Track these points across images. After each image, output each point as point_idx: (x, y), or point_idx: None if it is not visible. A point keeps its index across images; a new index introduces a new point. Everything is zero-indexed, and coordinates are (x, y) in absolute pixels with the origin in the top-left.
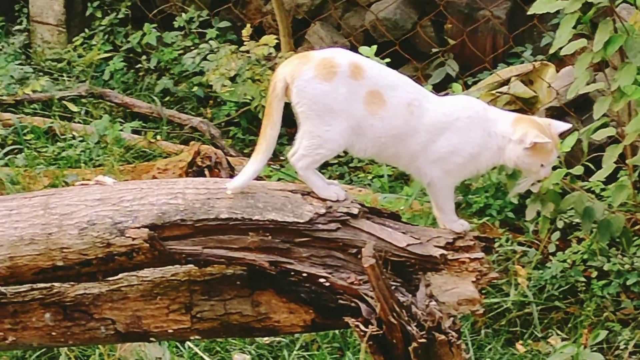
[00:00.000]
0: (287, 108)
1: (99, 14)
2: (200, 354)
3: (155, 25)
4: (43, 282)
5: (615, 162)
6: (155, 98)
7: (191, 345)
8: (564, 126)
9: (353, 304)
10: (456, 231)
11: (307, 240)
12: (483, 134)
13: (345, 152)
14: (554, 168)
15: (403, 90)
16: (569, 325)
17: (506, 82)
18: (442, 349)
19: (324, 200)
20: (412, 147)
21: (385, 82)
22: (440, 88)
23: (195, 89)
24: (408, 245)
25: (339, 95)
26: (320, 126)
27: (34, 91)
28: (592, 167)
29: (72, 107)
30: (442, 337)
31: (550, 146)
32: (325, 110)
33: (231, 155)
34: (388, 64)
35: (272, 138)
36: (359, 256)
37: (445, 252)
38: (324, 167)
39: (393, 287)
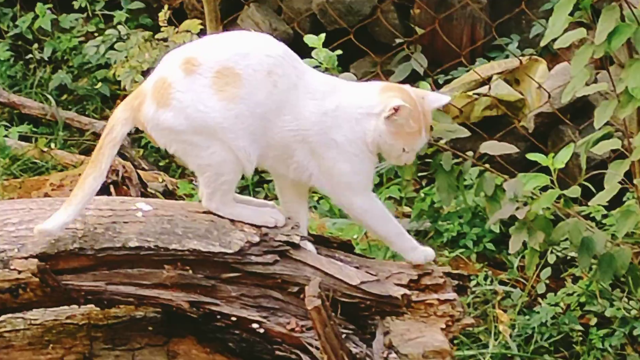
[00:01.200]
0: None
1: None
2: None
3: (49, 5)
4: None
5: (620, 182)
6: (49, 96)
7: None
8: (441, 99)
9: (293, 356)
10: (416, 262)
11: (237, 276)
12: (352, 124)
13: None
14: (545, 189)
15: (260, 55)
16: None
17: (486, 81)
18: None
19: (259, 227)
20: (281, 133)
21: (232, 52)
22: None
23: (99, 85)
24: (362, 282)
25: (187, 108)
26: (202, 154)
27: None
28: (592, 188)
29: None
30: None
31: (415, 125)
32: (193, 134)
33: (143, 169)
34: (340, 57)
35: (91, 190)
36: (302, 296)
37: (408, 292)
38: (259, 185)
39: (343, 335)
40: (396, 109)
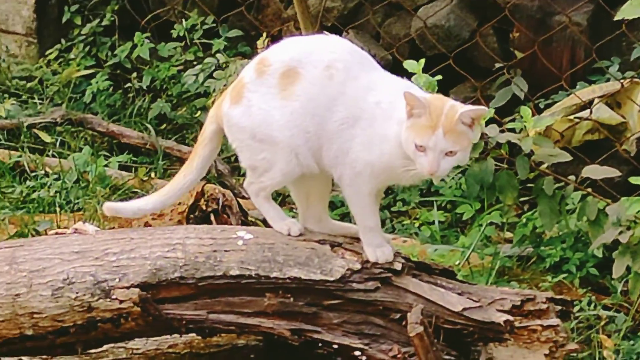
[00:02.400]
0: None
1: (78, 21)
2: None
3: (148, 34)
4: (8, 356)
5: None
6: (148, 125)
7: None
8: (474, 108)
9: None
10: (367, 258)
11: (338, 303)
12: (394, 122)
13: (387, 193)
14: None
15: (323, 52)
16: None
17: (588, 104)
18: None
19: (357, 253)
20: (332, 126)
21: (299, 52)
22: (506, 112)
23: (198, 114)
24: (465, 309)
25: (252, 107)
26: (255, 157)
27: None
28: None
29: (45, 137)
30: None
31: (428, 120)
32: (251, 136)
33: (243, 197)
34: (440, 82)
35: (179, 185)
36: (404, 323)
37: (511, 318)
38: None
39: None
40: (405, 97)
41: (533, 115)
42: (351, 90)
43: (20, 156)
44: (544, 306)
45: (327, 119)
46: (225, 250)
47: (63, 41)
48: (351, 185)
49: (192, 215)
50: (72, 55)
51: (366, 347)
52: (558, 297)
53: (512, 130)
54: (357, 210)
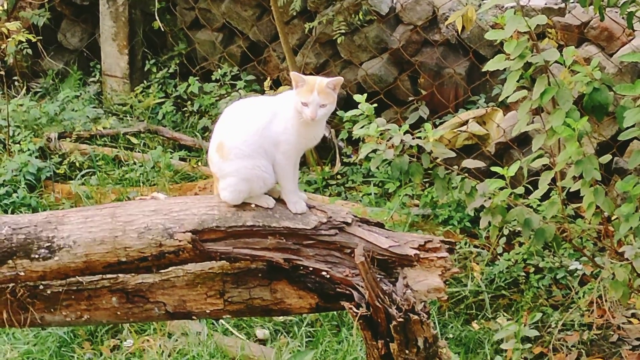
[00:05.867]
0: None
1: (154, 69)
2: (231, 329)
3: (197, 78)
4: (110, 274)
5: (548, 184)
6: (197, 134)
7: (224, 322)
8: (336, 80)
9: (348, 292)
10: (292, 210)
11: (312, 243)
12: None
13: (342, 175)
14: (502, 189)
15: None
16: (513, 308)
17: (465, 123)
18: (416, 326)
19: (324, 212)
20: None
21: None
22: (415, 127)
23: None
24: (390, 246)
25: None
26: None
27: (104, 128)
28: (531, 188)
29: (134, 140)
30: (416, 317)
31: (306, 87)
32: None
33: None
34: (375, 108)
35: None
36: (352, 255)
37: (418, 252)
38: (326, 187)
39: (378, 279)
40: (292, 76)
41: (432, 129)
42: (259, 112)
43: (118, 152)
44: (438, 245)
45: (261, 134)
46: (244, 210)
47: (145, 82)
48: (281, 162)
49: None
50: (150, 91)
51: (329, 269)
52: (446, 240)
53: (420, 137)
54: (283, 178)
